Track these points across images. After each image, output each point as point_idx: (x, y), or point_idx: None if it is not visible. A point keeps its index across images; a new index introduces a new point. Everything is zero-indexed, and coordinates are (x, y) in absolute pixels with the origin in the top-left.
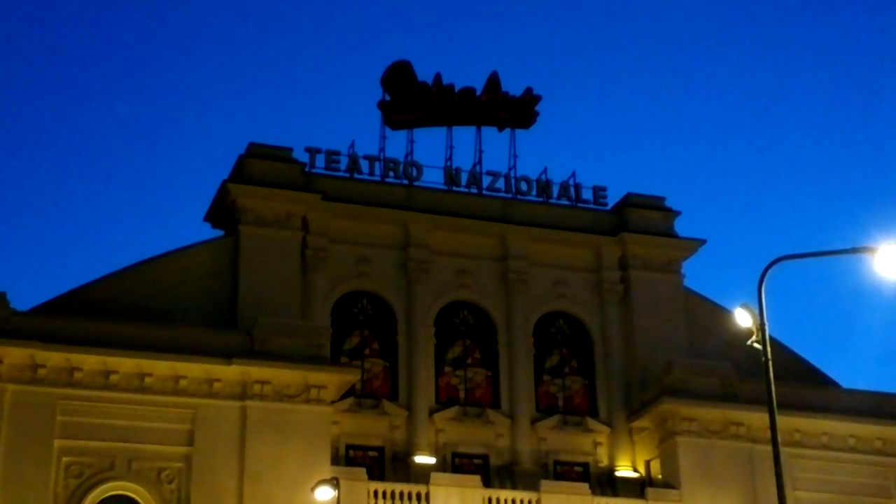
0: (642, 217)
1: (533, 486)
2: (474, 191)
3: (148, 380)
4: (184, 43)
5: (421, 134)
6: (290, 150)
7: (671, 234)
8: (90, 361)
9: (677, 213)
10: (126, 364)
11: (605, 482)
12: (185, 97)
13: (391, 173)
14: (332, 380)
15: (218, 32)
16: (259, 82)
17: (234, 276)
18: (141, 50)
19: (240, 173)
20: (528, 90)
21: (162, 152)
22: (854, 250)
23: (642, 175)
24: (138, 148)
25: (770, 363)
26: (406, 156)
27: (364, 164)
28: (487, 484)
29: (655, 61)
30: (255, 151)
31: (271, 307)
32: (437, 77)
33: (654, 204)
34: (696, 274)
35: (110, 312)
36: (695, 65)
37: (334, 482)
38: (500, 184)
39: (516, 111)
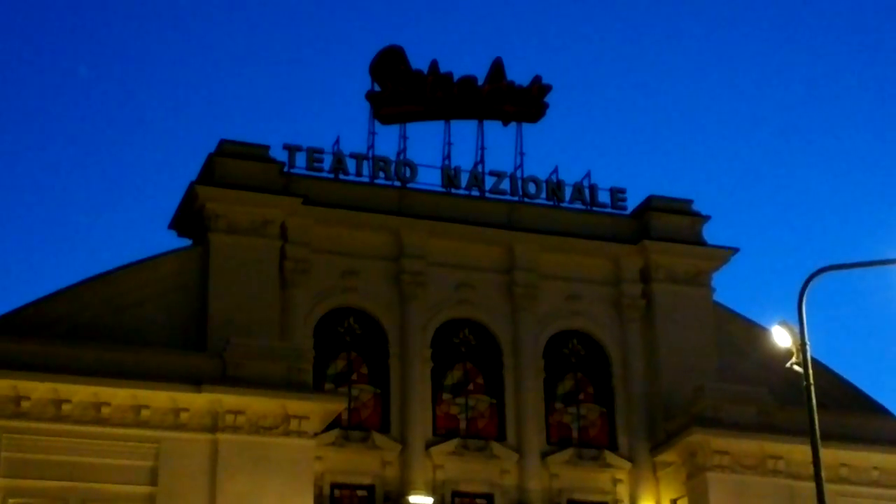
0: (666, 223)
1: None
2: (476, 193)
3: (105, 410)
4: (144, 25)
5: (415, 129)
6: (267, 147)
7: (699, 242)
8: (39, 389)
9: (706, 218)
10: (81, 392)
11: None
12: (148, 87)
13: (381, 174)
14: (314, 409)
15: (184, 14)
16: (232, 71)
17: (204, 291)
18: (95, 32)
19: (210, 174)
20: (537, 79)
21: (121, 150)
22: None
23: (666, 175)
24: (94, 147)
25: (812, 388)
26: (398, 154)
27: (350, 164)
28: None
29: (680, 46)
30: (227, 149)
31: (246, 327)
32: (434, 64)
33: (680, 208)
34: (728, 287)
35: (62, 333)
36: (724, 52)
37: None
38: (506, 185)
39: (523, 103)
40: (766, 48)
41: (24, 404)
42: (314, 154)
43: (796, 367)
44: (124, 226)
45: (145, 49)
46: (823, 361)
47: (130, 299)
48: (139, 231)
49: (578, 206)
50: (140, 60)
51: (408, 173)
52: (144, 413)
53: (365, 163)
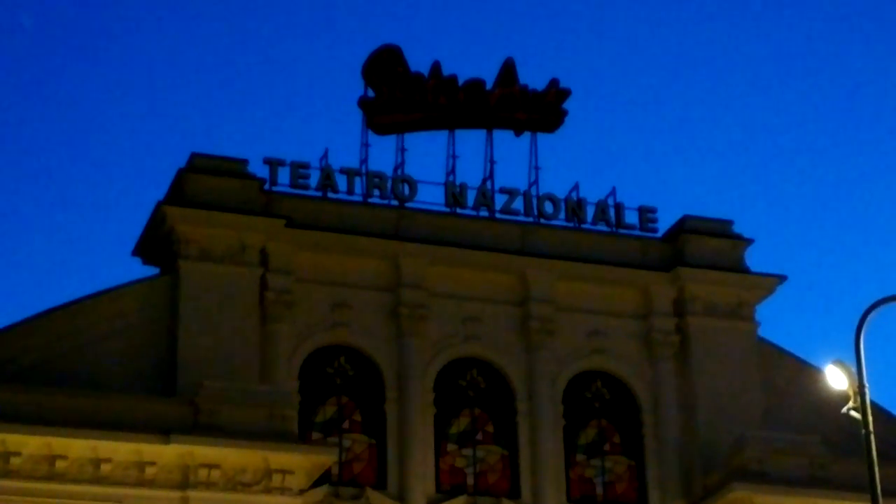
0: (703, 247)
1: None
2: (484, 214)
3: (61, 464)
4: (104, 23)
5: (415, 140)
6: (245, 162)
7: (741, 269)
8: None
9: (748, 242)
10: (31, 444)
11: None
12: (108, 92)
13: (376, 191)
14: (300, 462)
15: (149, 9)
16: (206, 75)
17: (173, 327)
18: (49, 26)
19: (179, 193)
20: (554, 82)
21: (77, 164)
22: None
23: (702, 193)
24: (47, 162)
25: (872, 436)
26: (396, 168)
27: (341, 180)
28: None
29: (718, 44)
30: (200, 164)
31: (221, 367)
32: (436, 66)
33: (719, 230)
34: (774, 320)
35: (8, 377)
36: (765, 52)
37: None
38: (519, 204)
39: (538, 110)
40: (823, 45)
41: None
42: (299, 169)
43: (853, 413)
44: (80, 251)
45: (104, 47)
46: (884, 406)
47: (88, 337)
48: (97, 258)
49: (602, 227)
50: (100, 60)
51: (406, 191)
52: (105, 467)
53: (357, 179)
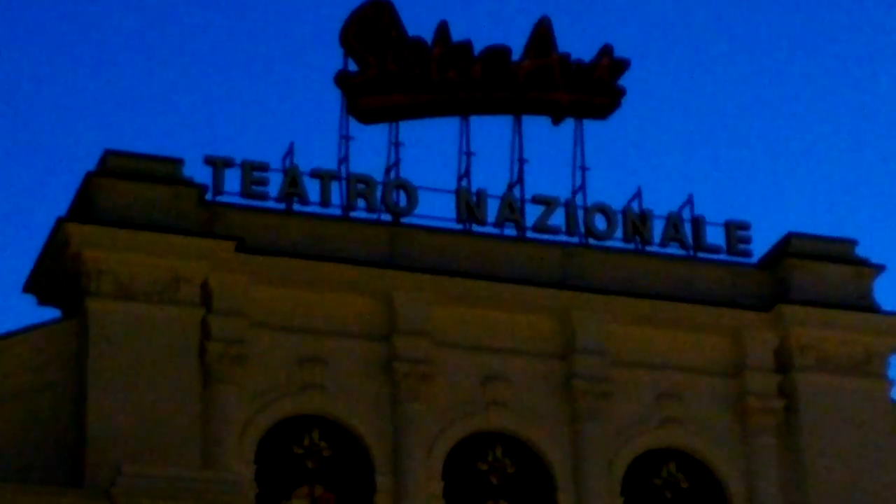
0: (816, 276)
1: None
2: (511, 232)
3: None
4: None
5: (413, 130)
6: (179, 161)
7: (867, 307)
8: None
9: (878, 270)
10: None
11: None
12: (7, 78)
13: (361, 202)
14: None
15: None
16: (126, 48)
17: (80, 390)
18: None
19: (88, 205)
20: (606, 50)
21: None
22: None
23: (809, 203)
24: None
25: None
26: (388, 170)
27: (311, 187)
28: None
29: (824, 11)
30: (115, 166)
31: (147, 448)
32: (443, 28)
33: (838, 253)
34: None
35: None
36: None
37: None
38: (559, 219)
39: (585, 88)
40: None
41: None
42: (253, 172)
43: None
44: None
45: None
46: None
47: None
48: None
49: (675, 250)
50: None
51: (403, 201)
52: None
53: (334, 185)
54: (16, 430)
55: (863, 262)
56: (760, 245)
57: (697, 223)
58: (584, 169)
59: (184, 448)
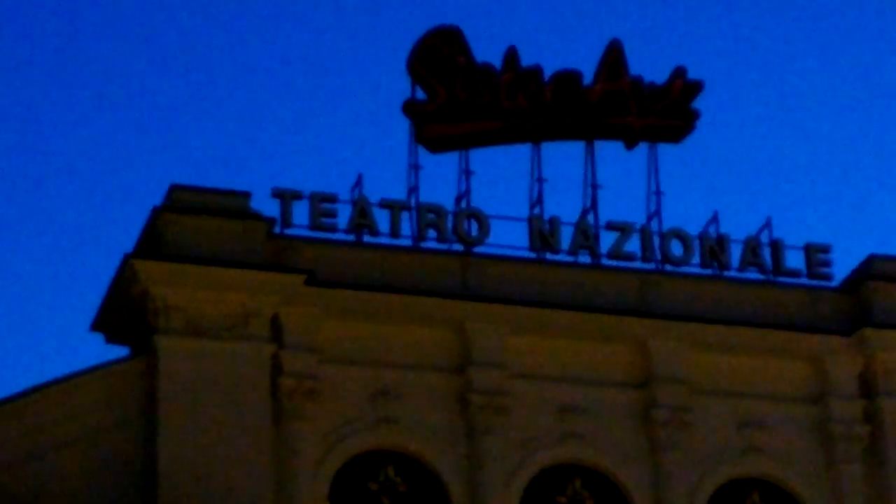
0: None
1: None
2: (586, 259)
3: None
4: (69, 38)
5: (484, 159)
6: (247, 195)
7: None
8: None
9: None
10: None
11: None
12: (59, 110)
13: (432, 232)
14: None
15: (130, 13)
16: (193, 81)
17: (150, 430)
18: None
19: (155, 241)
20: (679, 72)
21: (20, 207)
22: None
23: (891, 221)
24: None
25: None
26: (459, 199)
27: (381, 217)
28: None
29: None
30: (183, 200)
31: (219, 486)
32: (511, 54)
33: None
34: None
35: None
36: None
37: None
38: (634, 245)
39: (659, 112)
40: None
41: None
42: (322, 204)
43: None
44: (20, 329)
45: (53, 60)
46: None
47: (33, 446)
48: (45, 336)
49: (754, 274)
50: (51, 72)
51: (475, 230)
52: None
53: (404, 215)
54: (86, 471)
55: None
56: (841, 268)
57: (776, 247)
58: (658, 194)
59: (256, 486)
